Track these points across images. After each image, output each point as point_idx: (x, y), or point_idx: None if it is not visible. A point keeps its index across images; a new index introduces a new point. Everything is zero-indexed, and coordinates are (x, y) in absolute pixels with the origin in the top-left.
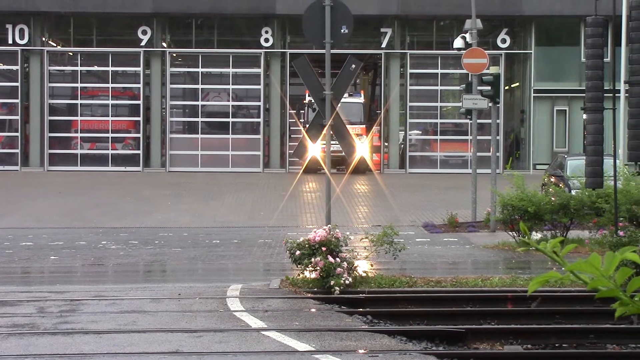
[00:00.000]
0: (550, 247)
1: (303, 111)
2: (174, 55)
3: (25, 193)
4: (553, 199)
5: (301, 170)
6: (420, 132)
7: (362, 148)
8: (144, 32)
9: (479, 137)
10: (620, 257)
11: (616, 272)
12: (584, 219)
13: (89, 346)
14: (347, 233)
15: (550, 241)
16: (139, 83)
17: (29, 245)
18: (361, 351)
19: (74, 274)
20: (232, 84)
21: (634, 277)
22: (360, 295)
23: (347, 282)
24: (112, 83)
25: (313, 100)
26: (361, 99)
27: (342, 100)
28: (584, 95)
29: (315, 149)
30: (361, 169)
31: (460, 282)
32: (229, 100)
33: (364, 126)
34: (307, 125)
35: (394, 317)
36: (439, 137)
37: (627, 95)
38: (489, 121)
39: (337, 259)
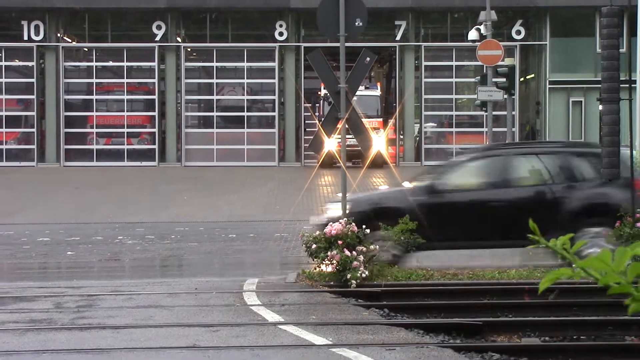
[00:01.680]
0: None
1: (318, 104)
2: (189, 50)
3: (41, 189)
4: None
5: (317, 165)
6: (436, 124)
7: (379, 142)
8: (159, 27)
9: (494, 129)
10: (631, 253)
11: (627, 267)
12: None
13: (106, 341)
14: (363, 226)
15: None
16: (154, 78)
17: (46, 241)
18: (378, 344)
19: (91, 269)
20: (246, 78)
21: None
22: (377, 288)
23: (363, 275)
24: (127, 78)
25: (328, 94)
26: (377, 92)
27: (358, 93)
28: (599, 86)
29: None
30: (378, 163)
31: (476, 275)
32: (243, 95)
33: (380, 119)
34: (323, 119)
35: (411, 310)
36: (454, 129)
37: None
38: (505, 113)
39: (354, 253)
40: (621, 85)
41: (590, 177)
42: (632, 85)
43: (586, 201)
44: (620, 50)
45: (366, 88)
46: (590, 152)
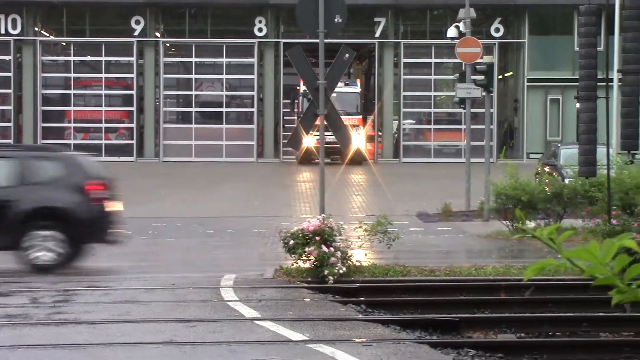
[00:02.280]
0: (546, 234)
1: (297, 101)
2: (168, 45)
3: None
4: (546, 188)
5: (296, 161)
6: (414, 121)
7: (359, 139)
8: (137, 22)
9: (472, 127)
10: (618, 244)
11: (613, 259)
12: (577, 208)
13: (82, 336)
14: (341, 223)
15: (546, 228)
16: (133, 73)
17: None
18: (355, 340)
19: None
20: (225, 74)
21: (632, 265)
22: (354, 284)
23: (341, 271)
24: (105, 73)
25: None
26: (357, 89)
27: (338, 89)
28: (577, 84)
29: (310, 139)
30: (357, 160)
31: (454, 272)
32: (222, 90)
33: (360, 117)
34: (301, 116)
35: (388, 306)
36: (432, 126)
37: (620, 84)
38: (483, 110)
39: (331, 249)
40: (598, 84)
41: (42, 181)
42: (610, 84)
43: (35, 204)
44: (598, 48)
45: (346, 85)
46: (44, 156)
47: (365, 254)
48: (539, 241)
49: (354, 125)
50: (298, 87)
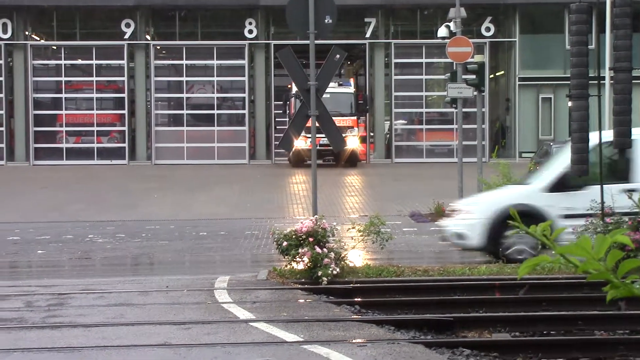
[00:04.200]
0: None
1: (289, 102)
2: (158, 47)
3: (11, 188)
4: None
5: (289, 162)
6: (406, 121)
7: (353, 140)
8: (128, 25)
9: (464, 126)
10: (611, 240)
11: (606, 255)
12: None
13: (77, 339)
14: (334, 223)
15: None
16: (124, 76)
17: (16, 240)
18: (350, 341)
19: (62, 267)
20: (216, 76)
21: (624, 260)
22: (348, 285)
23: (334, 272)
24: (96, 76)
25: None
26: (351, 89)
27: (332, 90)
28: (569, 82)
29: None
30: (352, 161)
31: (447, 271)
32: (213, 92)
33: (354, 117)
34: (293, 117)
35: (382, 306)
36: (424, 126)
37: (612, 82)
38: (475, 110)
39: (325, 250)
40: (590, 82)
41: None
42: (601, 82)
43: None
44: (590, 46)
45: (340, 85)
46: None
47: (359, 255)
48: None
49: (348, 127)
50: (289, 86)
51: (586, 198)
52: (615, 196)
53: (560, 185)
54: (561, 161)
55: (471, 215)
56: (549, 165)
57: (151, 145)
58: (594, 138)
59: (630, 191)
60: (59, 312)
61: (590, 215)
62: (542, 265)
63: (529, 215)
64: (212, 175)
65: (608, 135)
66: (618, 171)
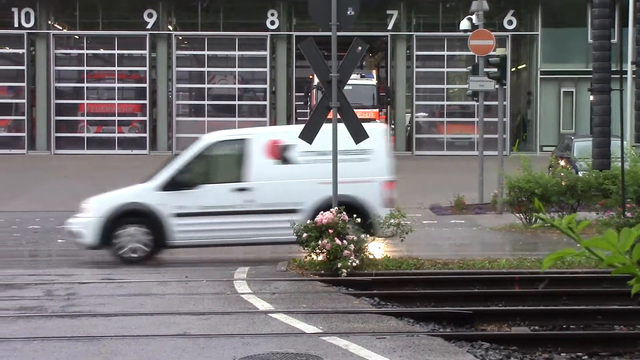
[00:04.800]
0: (565, 223)
1: (310, 93)
2: (180, 38)
3: (32, 176)
4: (560, 180)
5: None
6: (427, 114)
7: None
8: (150, 15)
9: (485, 119)
10: (637, 234)
11: (632, 248)
12: (591, 201)
13: (96, 329)
14: (355, 215)
15: (565, 217)
16: (145, 66)
17: (36, 229)
18: (369, 333)
19: (81, 256)
20: (238, 67)
21: None
22: (368, 277)
23: (354, 264)
24: (118, 66)
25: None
26: (374, 81)
27: (354, 82)
28: (590, 76)
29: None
30: None
31: (467, 264)
32: (235, 83)
33: (376, 110)
34: (314, 108)
35: (402, 299)
36: (445, 119)
37: (634, 76)
38: (496, 103)
39: (344, 241)
40: (612, 76)
41: None
42: (623, 76)
43: None
44: (612, 40)
45: (362, 77)
46: None
47: (379, 247)
48: (553, 234)
49: (370, 119)
50: (311, 77)
51: (196, 197)
52: (227, 195)
53: (173, 184)
54: (175, 161)
55: (88, 213)
56: (167, 164)
57: (172, 136)
58: (206, 139)
59: (241, 190)
60: (78, 301)
61: (202, 215)
62: (564, 259)
63: (142, 214)
64: None
65: (224, 135)
66: (230, 171)
